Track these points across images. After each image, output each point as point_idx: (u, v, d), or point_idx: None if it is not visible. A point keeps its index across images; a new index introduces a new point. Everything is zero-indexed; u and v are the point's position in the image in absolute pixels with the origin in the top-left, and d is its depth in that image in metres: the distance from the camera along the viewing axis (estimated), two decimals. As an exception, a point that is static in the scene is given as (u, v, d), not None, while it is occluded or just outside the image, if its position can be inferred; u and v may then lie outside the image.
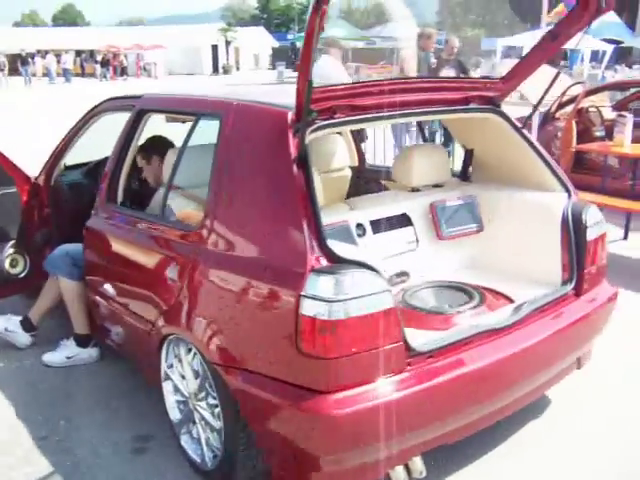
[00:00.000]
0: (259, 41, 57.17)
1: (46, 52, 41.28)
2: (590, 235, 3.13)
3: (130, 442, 3.28)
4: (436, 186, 3.68)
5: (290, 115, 2.63)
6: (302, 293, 2.33)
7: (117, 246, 3.47)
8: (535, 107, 3.35)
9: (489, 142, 3.56)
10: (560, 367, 3.05)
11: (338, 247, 2.49)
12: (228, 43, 51.81)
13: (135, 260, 3.32)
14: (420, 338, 2.61)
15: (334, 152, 4.17)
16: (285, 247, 2.49)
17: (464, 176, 3.80)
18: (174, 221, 3.15)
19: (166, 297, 2.98)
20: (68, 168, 4.77)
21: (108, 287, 3.54)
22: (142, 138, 3.79)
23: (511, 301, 3.11)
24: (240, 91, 3.84)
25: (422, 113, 3.10)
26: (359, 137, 7.53)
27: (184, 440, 3.08)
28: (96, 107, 4.15)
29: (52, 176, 4.56)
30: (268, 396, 2.47)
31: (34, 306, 4.23)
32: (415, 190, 3.58)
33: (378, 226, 3.32)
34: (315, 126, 2.64)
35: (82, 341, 4.07)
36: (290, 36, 57.18)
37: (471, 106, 3.23)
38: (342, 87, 2.79)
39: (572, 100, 7.84)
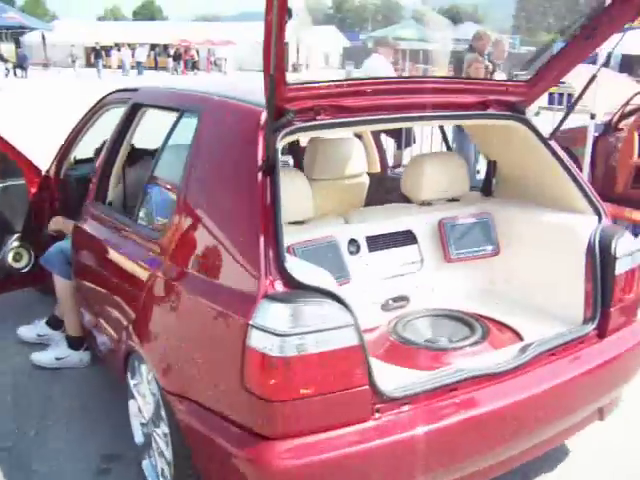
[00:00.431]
0: (330, 40, 57.00)
1: (123, 45, 42.33)
2: (620, 268, 2.68)
3: (97, 461, 3.04)
4: (452, 200, 3.28)
5: (264, 115, 2.31)
6: (251, 322, 2.01)
7: (96, 249, 3.24)
8: (566, 114, 2.90)
9: (512, 153, 3.14)
10: (574, 419, 2.61)
11: (303, 270, 2.15)
12: (300, 42, 51.81)
13: (110, 265, 3.07)
14: (400, 379, 2.24)
15: (349, 156, 3.83)
16: (240, 266, 2.17)
17: (486, 190, 3.38)
18: (143, 227, 2.88)
19: (130, 308, 2.72)
20: (78, 162, 4.59)
21: (88, 291, 3.32)
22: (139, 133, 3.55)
23: (520, 338, 2.69)
24: (242, 86, 3.53)
25: (428, 117, 2.71)
26: (399, 141, 7.18)
27: (144, 465, 2.81)
28: (102, 99, 3.94)
29: (62, 169, 4.41)
30: (211, 434, 2.16)
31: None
32: (426, 204, 3.19)
33: (376, 243, 2.96)
34: (289, 129, 2.31)
35: (74, 343, 3.87)
36: (362, 36, 56.77)
37: (488, 112, 2.82)
38: (327, 85, 2.44)
39: (638, 109, 7.21)
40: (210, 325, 2.20)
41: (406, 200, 3.33)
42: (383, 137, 7.67)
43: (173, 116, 2.91)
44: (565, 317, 2.78)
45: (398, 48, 10.44)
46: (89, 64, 37.34)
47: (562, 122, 2.91)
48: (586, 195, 2.87)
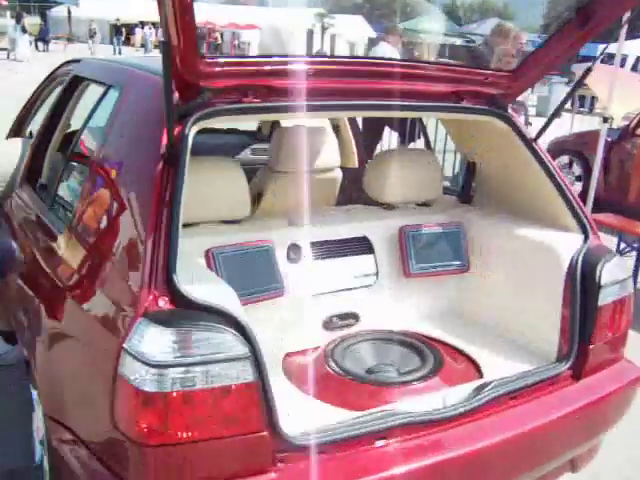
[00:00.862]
0: (356, 30, 56.26)
1: (147, 24, 42.00)
2: (605, 297, 2.25)
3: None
4: (423, 205, 2.86)
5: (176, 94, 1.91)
6: (124, 345, 1.62)
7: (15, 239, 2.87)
8: (551, 117, 2.46)
9: (493, 155, 2.72)
10: (536, 474, 2.20)
11: (202, 284, 1.76)
12: (324, 29, 51.21)
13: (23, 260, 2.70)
14: (321, 421, 1.85)
15: (319, 147, 3.43)
16: (122, 275, 1.79)
17: (464, 196, 2.96)
18: (55, 219, 2.49)
19: (28, 311, 2.35)
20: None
21: (5, 285, 2.95)
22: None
23: (479, 373, 2.28)
24: None
25: (385, 107, 2.29)
26: (404, 135, 6.73)
27: None
28: (53, 72, 3.56)
29: None
30: (79, 471, 1.79)
31: None
32: (390, 208, 2.78)
33: (322, 250, 2.56)
34: (205, 111, 1.91)
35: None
36: (388, 27, 55.91)
37: (462, 104, 2.40)
38: (257, 62, 2.04)
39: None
40: (87, 343, 1.82)
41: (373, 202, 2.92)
42: (387, 131, 7.34)
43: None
44: (536, 351, 2.37)
45: (410, 39, 9.99)
46: (112, 41, 37.03)
47: (549, 123, 2.48)
48: (572, 210, 2.44)
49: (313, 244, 2.53)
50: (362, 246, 2.63)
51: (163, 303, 1.66)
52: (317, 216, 2.66)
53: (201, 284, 1.77)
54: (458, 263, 2.67)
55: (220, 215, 2.40)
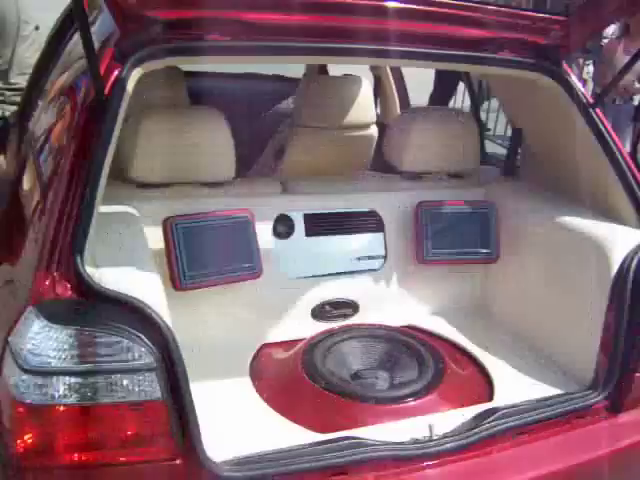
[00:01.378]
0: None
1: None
2: None
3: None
4: (455, 176, 2.38)
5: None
6: (9, 339, 1.30)
7: None
8: (617, 77, 1.92)
9: (541, 121, 2.20)
10: None
11: (121, 270, 1.41)
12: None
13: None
14: (273, 444, 1.50)
15: (351, 100, 2.98)
16: (26, 251, 1.46)
17: (507, 168, 2.45)
18: None
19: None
20: None
21: None
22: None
23: (489, 392, 1.84)
24: None
25: (394, 54, 1.82)
26: (477, 95, 6.04)
27: None
28: None
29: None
30: None
31: None
32: (411, 177, 2.32)
33: (319, 224, 2.15)
34: (148, 50, 1.53)
35: None
36: None
37: (500, 56, 1.89)
38: None
39: None
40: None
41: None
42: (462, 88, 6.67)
43: None
44: (567, 370, 1.90)
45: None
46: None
47: (613, 84, 1.94)
48: (634, 199, 1.92)
49: (308, 217, 2.12)
50: (369, 222, 2.20)
51: (62, 290, 1.32)
52: (313, 183, 2.25)
53: (121, 266, 1.42)
54: (485, 251, 2.19)
55: (197, 176, 2.03)
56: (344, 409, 1.70)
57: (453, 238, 2.17)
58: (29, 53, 3.35)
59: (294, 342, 2.01)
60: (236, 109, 3.91)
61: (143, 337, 1.28)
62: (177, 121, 1.99)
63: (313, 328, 2.08)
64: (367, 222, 2.19)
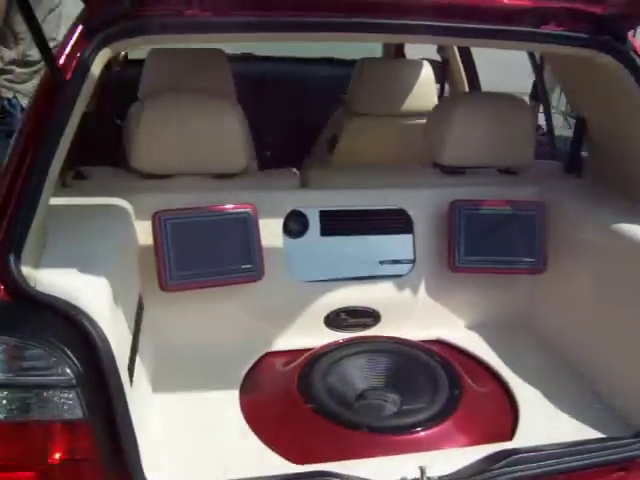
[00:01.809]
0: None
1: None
2: None
3: None
4: (506, 172, 2.08)
5: None
6: None
7: None
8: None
9: (605, 109, 1.86)
10: None
11: (66, 268, 1.27)
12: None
13: None
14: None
15: (410, 86, 2.75)
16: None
17: (570, 163, 2.12)
18: None
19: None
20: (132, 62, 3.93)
21: None
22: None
23: (511, 428, 1.56)
24: None
25: (412, 29, 1.55)
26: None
27: None
28: None
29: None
30: None
31: None
32: (451, 172, 2.04)
33: (338, 223, 1.92)
34: (113, 29, 1.37)
35: None
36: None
37: (542, 30, 1.58)
38: None
39: None
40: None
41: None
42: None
43: None
44: (614, 409, 1.59)
45: None
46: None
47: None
48: None
49: (324, 214, 1.90)
50: (397, 222, 1.94)
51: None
52: (334, 176, 2.03)
53: (74, 267, 1.28)
54: (529, 260, 1.88)
55: (205, 167, 1.87)
56: (332, 437, 1.48)
57: (491, 244, 1.88)
58: (53, 24, 3.15)
59: (302, 352, 1.81)
60: (286, 95, 3.75)
61: (66, 349, 1.13)
62: (182, 107, 1.84)
63: (327, 337, 1.87)
64: (394, 222, 1.94)
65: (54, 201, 1.68)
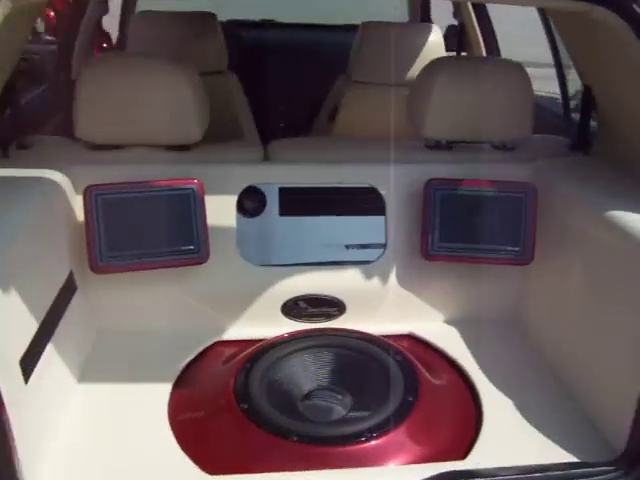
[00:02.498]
0: None
1: None
2: None
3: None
4: (500, 147, 1.85)
5: None
6: None
7: None
8: None
9: (609, 74, 1.59)
10: None
11: None
12: None
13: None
14: None
15: (416, 52, 2.55)
16: None
17: (577, 139, 1.86)
18: None
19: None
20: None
21: None
22: None
23: (466, 447, 1.35)
24: None
25: None
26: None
27: None
28: None
29: None
30: None
31: None
32: (434, 147, 1.82)
33: (298, 202, 1.73)
34: None
35: None
36: None
37: None
38: None
39: None
40: None
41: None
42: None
43: None
44: (593, 426, 1.36)
45: None
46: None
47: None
48: None
49: (285, 191, 1.71)
50: (367, 202, 1.74)
51: None
52: (299, 147, 1.84)
53: None
54: (514, 249, 1.64)
55: (155, 138, 1.71)
56: (255, 445, 1.32)
57: (470, 229, 1.65)
58: None
59: (255, 342, 1.64)
60: (290, 63, 3.54)
61: None
62: (126, 71, 1.67)
63: (284, 327, 1.69)
64: (363, 201, 1.74)
65: (-13, 172, 1.57)
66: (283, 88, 3.67)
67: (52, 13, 4.04)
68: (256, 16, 4.28)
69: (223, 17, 3.86)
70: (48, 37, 3.97)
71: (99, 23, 3.08)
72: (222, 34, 2.62)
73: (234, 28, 3.72)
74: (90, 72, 1.67)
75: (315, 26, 4.06)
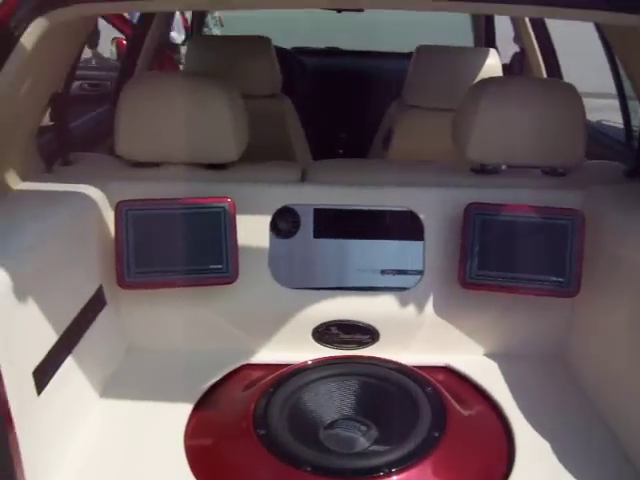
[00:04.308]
0: None
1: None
2: None
3: None
4: (550, 173, 1.76)
5: None
6: None
7: None
8: None
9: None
10: None
11: None
12: None
13: None
14: None
15: (473, 75, 2.48)
16: None
17: (635, 165, 1.74)
18: None
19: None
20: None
21: None
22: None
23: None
24: None
25: None
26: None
27: None
28: None
29: None
30: None
31: None
32: (483, 171, 1.75)
33: (333, 223, 1.68)
34: None
35: None
36: None
37: None
38: None
39: None
40: None
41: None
42: None
43: None
44: (636, 477, 1.24)
45: None
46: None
47: None
48: None
49: (319, 212, 1.68)
50: (405, 226, 1.68)
51: None
52: (336, 169, 1.79)
53: None
54: (557, 280, 1.54)
55: (193, 156, 1.71)
56: (266, 473, 1.26)
57: (511, 258, 1.56)
58: None
59: (283, 366, 1.59)
60: (351, 89, 3.53)
61: None
62: (167, 90, 1.69)
63: (315, 353, 1.64)
64: (401, 226, 1.68)
65: (32, 186, 1.61)
66: (344, 114, 3.67)
67: (124, 41, 4.20)
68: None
69: (291, 44, 3.95)
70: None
71: (163, 47, 3.17)
72: (276, 58, 2.63)
73: (298, 55, 3.76)
74: (130, 91, 1.69)
75: (376, 54, 4.05)
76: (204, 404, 1.48)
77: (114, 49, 4.37)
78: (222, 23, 7.47)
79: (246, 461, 1.30)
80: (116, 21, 3.58)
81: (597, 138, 2.25)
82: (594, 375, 1.50)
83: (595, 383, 1.48)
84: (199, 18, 3.99)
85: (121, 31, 3.76)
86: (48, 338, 1.28)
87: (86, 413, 1.40)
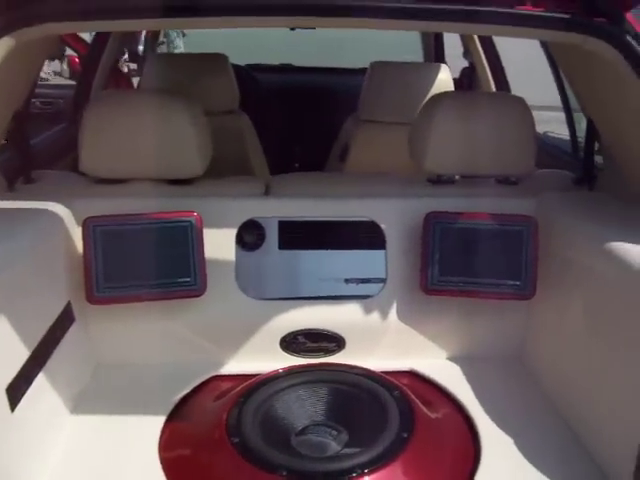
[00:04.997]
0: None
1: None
2: None
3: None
4: (503, 182, 1.84)
5: None
6: None
7: None
8: None
9: (608, 106, 1.58)
10: None
11: None
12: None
13: None
14: None
15: (425, 90, 2.57)
16: None
17: (582, 173, 1.84)
18: None
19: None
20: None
21: None
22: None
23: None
24: None
25: (356, 11, 1.35)
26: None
27: None
28: None
29: None
30: None
31: None
32: (439, 181, 1.82)
33: (298, 235, 1.73)
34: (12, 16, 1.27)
35: None
36: None
37: (509, 10, 1.35)
38: None
39: None
40: None
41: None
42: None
43: None
44: (596, 470, 1.31)
45: None
46: None
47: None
48: None
49: (284, 225, 1.72)
50: (367, 236, 1.73)
51: None
52: (298, 183, 1.84)
53: None
54: (514, 284, 1.61)
55: (157, 172, 1.74)
56: (243, 479, 1.29)
57: (470, 263, 1.63)
58: None
59: (252, 376, 1.62)
60: (305, 105, 3.59)
61: None
62: (128, 107, 1.71)
63: (283, 362, 1.67)
64: (364, 235, 1.73)
65: (-7, 205, 1.60)
66: (298, 129, 3.72)
67: (77, 59, 4.18)
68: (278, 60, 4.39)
69: (245, 62, 3.99)
70: (72, 82, 4.10)
71: (116, 65, 3.17)
72: (234, 75, 2.67)
73: (252, 71, 3.80)
74: (94, 108, 1.71)
75: (330, 69, 4.12)
76: (176, 416, 1.50)
77: (65, 67, 4.34)
78: (184, 33, 7.59)
79: (222, 469, 1.32)
80: (69, 39, 3.57)
81: (545, 149, 2.35)
82: (551, 374, 1.57)
83: (553, 381, 1.56)
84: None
85: (74, 49, 3.74)
86: (19, 356, 1.28)
87: (60, 429, 1.40)
